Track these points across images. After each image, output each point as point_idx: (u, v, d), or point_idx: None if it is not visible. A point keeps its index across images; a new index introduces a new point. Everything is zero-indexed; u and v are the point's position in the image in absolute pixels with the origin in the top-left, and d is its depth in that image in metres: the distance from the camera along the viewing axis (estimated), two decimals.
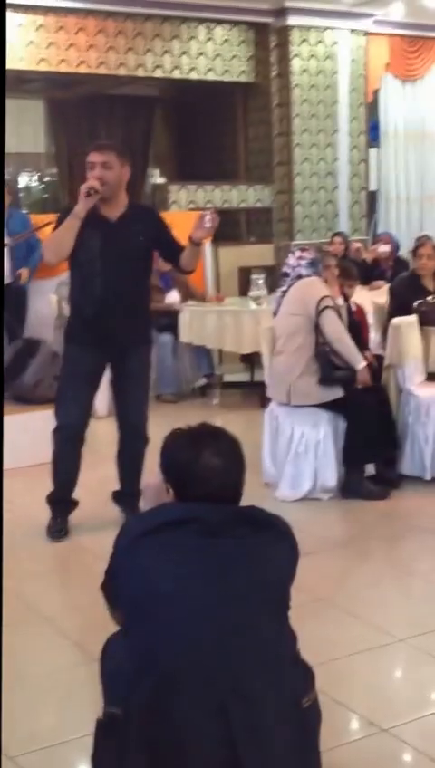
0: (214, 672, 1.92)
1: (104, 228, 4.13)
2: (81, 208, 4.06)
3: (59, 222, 4.19)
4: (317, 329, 4.74)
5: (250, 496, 2.19)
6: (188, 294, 7.63)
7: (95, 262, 4.12)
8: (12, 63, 8.01)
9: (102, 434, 5.00)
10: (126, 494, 4.44)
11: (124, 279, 4.16)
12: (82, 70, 8.43)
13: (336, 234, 8.58)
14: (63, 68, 8.29)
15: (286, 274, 4.99)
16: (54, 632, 3.36)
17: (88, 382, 4.29)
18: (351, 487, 4.79)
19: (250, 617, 1.99)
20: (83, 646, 3.18)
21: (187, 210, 8.70)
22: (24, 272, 7.15)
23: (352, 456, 4.79)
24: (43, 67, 8.25)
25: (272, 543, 2.09)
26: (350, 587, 3.77)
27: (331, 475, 4.80)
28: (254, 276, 7.23)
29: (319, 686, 2.15)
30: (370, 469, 4.93)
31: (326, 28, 9.22)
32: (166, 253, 4.36)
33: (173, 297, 7.61)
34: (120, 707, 1.99)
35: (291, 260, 4.99)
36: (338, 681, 2.86)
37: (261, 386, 5.84)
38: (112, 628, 2.24)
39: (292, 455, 4.84)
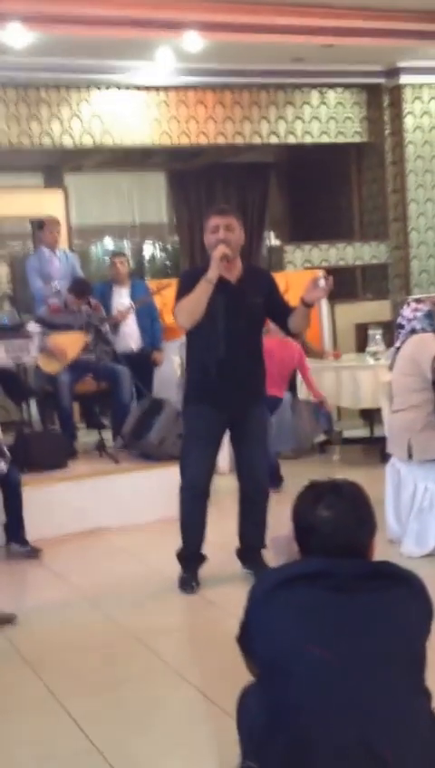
0: (345, 736, 1.87)
1: (225, 290, 4.20)
2: (215, 273, 4.13)
3: (183, 286, 4.27)
4: (434, 385, 4.71)
5: (375, 553, 2.19)
6: (305, 352, 7.69)
7: (218, 323, 4.19)
8: (136, 139, 8.45)
9: (225, 490, 5.07)
10: (249, 550, 4.48)
11: (244, 339, 4.26)
12: (201, 141, 8.77)
13: None
14: (184, 141, 8.66)
15: (401, 326, 4.97)
16: (184, 685, 3.37)
17: (210, 443, 4.37)
18: None
19: (382, 677, 1.93)
20: (212, 699, 3.16)
21: (302, 270, 8.82)
22: (159, 356, 7.37)
23: None
24: (164, 141, 8.63)
25: (404, 600, 2.04)
26: None
27: None
28: (371, 332, 7.24)
29: None
30: None
31: None
32: (276, 314, 4.40)
33: None
34: (257, 761, 2.00)
35: (406, 312, 4.98)
36: None
37: (381, 441, 5.81)
38: (238, 682, 2.24)
39: (416, 510, 4.77)
